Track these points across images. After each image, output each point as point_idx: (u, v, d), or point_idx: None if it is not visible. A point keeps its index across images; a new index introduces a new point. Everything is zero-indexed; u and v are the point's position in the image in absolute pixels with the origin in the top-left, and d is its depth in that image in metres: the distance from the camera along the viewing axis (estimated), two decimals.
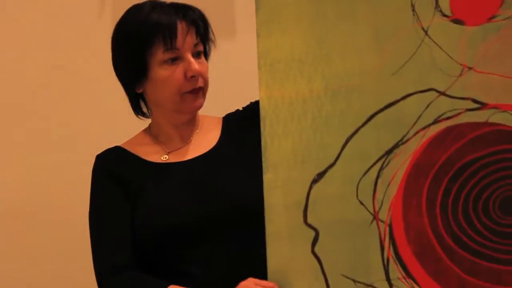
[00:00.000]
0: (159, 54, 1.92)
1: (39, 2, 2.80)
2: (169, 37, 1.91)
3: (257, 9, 1.89)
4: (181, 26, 1.92)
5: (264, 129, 1.87)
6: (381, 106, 1.82)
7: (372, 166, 1.82)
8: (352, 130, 1.83)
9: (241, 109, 2.10)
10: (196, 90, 1.95)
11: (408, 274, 1.78)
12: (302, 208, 1.84)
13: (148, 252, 1.93)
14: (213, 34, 2.02)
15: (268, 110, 1.87)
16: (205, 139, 2.04)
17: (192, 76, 1.92)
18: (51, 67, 2.78)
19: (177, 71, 1.92)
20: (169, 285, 1.85)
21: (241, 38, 2.11)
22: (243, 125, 2.04)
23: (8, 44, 2.81)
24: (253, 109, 1.99)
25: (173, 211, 1.92)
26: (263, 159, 1.87)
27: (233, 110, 2.11)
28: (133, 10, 1.98)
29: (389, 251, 1.79)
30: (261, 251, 1.88)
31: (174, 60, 1.92)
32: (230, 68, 2.04)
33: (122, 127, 2.12)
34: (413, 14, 1.81)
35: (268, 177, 1.85)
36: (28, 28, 2.81)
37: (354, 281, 1.80)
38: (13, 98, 2.80)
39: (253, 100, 2.04)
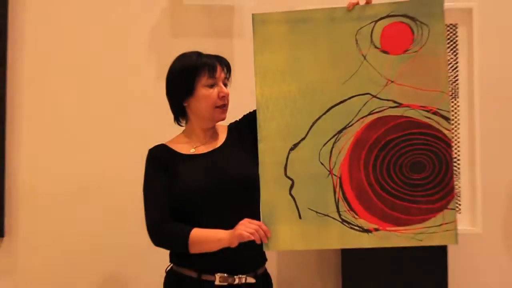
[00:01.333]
0: (204, 80, 2.09)
1: (105, 51, 2.82)
2: (212, 70, 2.09)
3: (253, 36, 2.00)
4: (219, 66, 2.10)
5: (259, 115, 1.98)
6: (336, 102, 1.96)
7: (329, 140, 1.96)
8: (317, 117, 1.96)
9: (238, 119, 2.24)
10: (224, 105, 2.12)
11: (351, 208, 1.94)
12: (283, 165, 1.97)
13: (179, 210, 2.04)
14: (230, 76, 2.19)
15: (261, 102, 1.99)
16: (217, 139, 2.16)
17: (223, 96, 2.10)
18: (118, 94, 2.82)
19: (214, 92, 2.09)
20: (193, 228, 1.98)
21: (239, 73, 2.22)
22: (240, 129, 2.19)
23: (92, 81, 2.82)
24: (247, 118, 2.19)
25: (196, 182, 2.04)
26: (258, 134, 1.98)
27: (233, 120, 2.25)
28: (184, 56, 2.14)
29: (339, 194, 1.94)
30: (255, 210, 2.04)
31: (212, 85, 2.09)
32: (231, 95, 2.14)
33: (162, 131, 2.23)
34: (357, 45, 1.96)
35: (261, 146, 1.98)
36: (101, 70, 2.83)
37: (316, 212, 1.94)
38: (101, 115, 2.81)
39: (245, 113, 2.21)
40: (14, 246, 2.75)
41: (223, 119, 2.14)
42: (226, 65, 2.14)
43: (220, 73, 2.11)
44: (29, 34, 2.81)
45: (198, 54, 2.13)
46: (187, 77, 2.09)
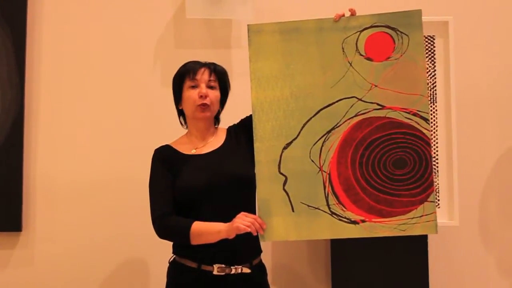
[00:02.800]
0: (187, 82, 2.10)
1: (119, 62, 2.83)
2: (192, 73, 2.09)
3: (249, 45, 1.99)
4: (201, 68, 2.11)
5: (254, 117, 1.98)
6: (325, 105, 1.96)
7: (319, 139, 1.95)
8: (307, 118, 1.96)
9: (236, 123, 2.21)
10: (204, 105, 2.08)
11: (339, 201, 1.93)
12: (277, 163, 1.96)
13: (181, 205, 2.03)
14: (228, 81, 2.18)
15: (256, 105, 1.98)
16: (217, 141, 2.15)
17: (201, 96, 2.07)
18: (126, 99, 2.81)
19: (195, 92, 2.09)
20: (194, 221, 1.97)
21: (237, 80, 2.19)
22: (238, 132, 2.16)
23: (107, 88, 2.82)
24: (243, 122, 2.17)
25: (195, 180, 2.02)
26: (253, 134, 1.97)
27: (231, 123, 2.23)
28: (182, 65, 2.15)
29: (328, 189, 1.94)
30: (250, 205, 2.05)
31: (194, 87, 2.09)
32: (230, 100, 2.19)
33: (167, 132, 2.24)
34: (343, 53, 1.96)
35: (257, 145, 1.97)
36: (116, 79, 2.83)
37: (308, 205, 1.93)
38: (110, 117, 2.80)
39: (243, 117, 2.19)
40: (31, 240, 2.73)
41: (205, 117, 2.11)
42: (212, 69, 2.13)
43: (201, 75, 2.10)
44: (46, 45, 2.81)
45: (191, 62, 2.14)
46: (178, 83, 2.13)
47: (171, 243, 2.10)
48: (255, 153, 1.98)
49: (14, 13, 2.73)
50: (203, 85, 2.09)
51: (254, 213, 2.02)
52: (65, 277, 2.73)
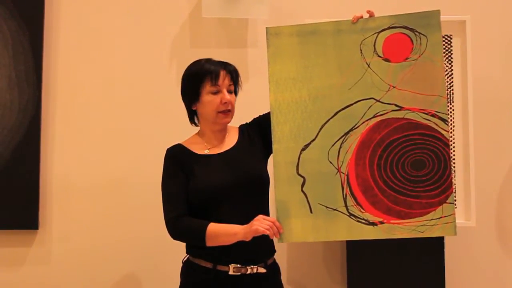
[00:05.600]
0: (207, 87, 2.06)
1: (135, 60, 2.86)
2: (215, 78, 2.06)
3: (267, 47, 2.02)
4: (222, 73, 2.07)
5: (272, 119, 2.00)
6: (342, 106, 1.98)
7: (337, 141, 1.98)
8: (325, 120, 1.98)
9: (248, 122, 2.21)
10: (226, 111, 2.08)
11: (357, 203, 1.95)
12: (295, 164, 1.98)
13: (195, 207, 2.04)
14: (240, 81, 2.16)
15: (275, 107, 2.00)
16: (230, 140, 2.14)
17: (225, 103, 2.06)
18: (141, 98, 2.84)
19: (217, 98, 2.06)
20: (209, 223, 1.97)
21: (253, 80, 2.18)
22: (251, 132, 2.16)
23: (117, 85, 2.85)
24: (257, 122, 2.17)
25: (210, 181, 2.02)
26: (272, 136, 2.00)
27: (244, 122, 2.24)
28: (194, 63, 2.13)
29: (346, 190, 1.96)
30: (265, 204, 2.07)
31: (216, 92, 2.06)
32: (245, 99, 2.19)
33: (182, 132, 2.23)
34: (361, 54, 1.98)
35: (275, 147, 2.00)
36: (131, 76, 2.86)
37: (326, 207, 1.96)
38: (126, 117, 2.83)
39: (255, 117, 2.20)
40: (48, 238, 2.78)
41: (227, 122, 2.12)
42: (231, 72, 2.11)
43: (223, 80, 2.07)
44: (63, 45, 2.85)
45: (206, 61, 2.11)
46: (193, 84, 2.09)
47: (183, 243, 2.11)
48: (273, 154, 2.01)
49: (32, 13, 2.77)
50: (225, 91, 2.07)
51: (267, 214, 2.04)
52: (80, 275, 2.77)
